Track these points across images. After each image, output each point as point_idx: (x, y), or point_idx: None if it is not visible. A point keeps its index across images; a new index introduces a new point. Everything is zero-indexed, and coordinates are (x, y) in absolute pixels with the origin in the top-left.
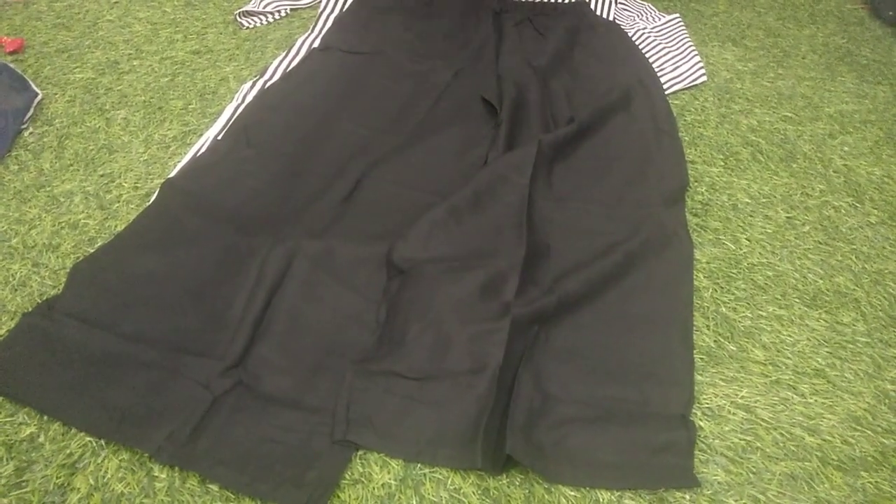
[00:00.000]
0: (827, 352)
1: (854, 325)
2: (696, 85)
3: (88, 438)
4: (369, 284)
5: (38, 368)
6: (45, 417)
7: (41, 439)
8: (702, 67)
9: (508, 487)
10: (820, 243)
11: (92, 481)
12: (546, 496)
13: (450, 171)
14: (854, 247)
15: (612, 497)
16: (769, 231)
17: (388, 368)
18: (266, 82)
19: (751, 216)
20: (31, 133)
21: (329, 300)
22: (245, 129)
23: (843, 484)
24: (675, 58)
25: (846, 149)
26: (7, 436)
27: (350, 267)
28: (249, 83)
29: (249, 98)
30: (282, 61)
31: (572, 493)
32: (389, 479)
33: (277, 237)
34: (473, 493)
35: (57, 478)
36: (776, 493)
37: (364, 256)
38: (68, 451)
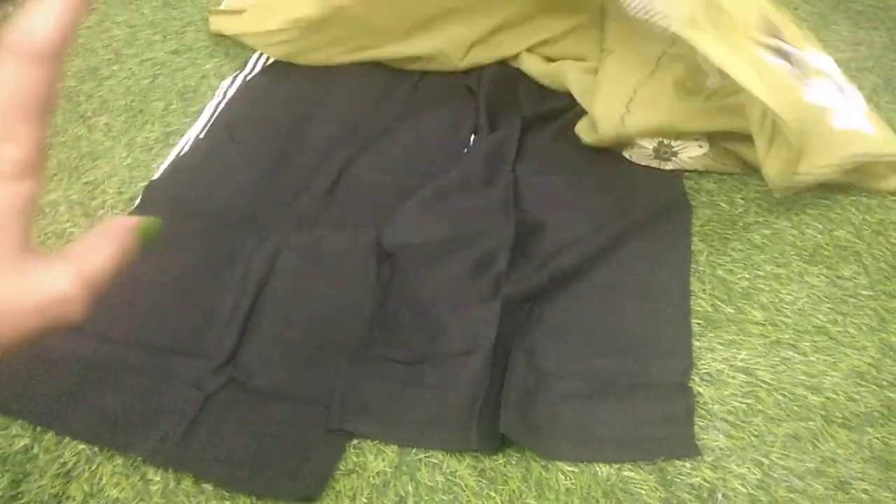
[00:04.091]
0: (828, 308)
1: (855, 279)
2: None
3: (82, 446)
4: (359, 273)
5: (29, 380)
6: (39, 428)
7: (35, 450)
8: None
9: (505, 467)
10: (818, 197)
11: (87, 488)
12: (543, 473)
13: (434, 154)
14: (853, 198)
15: (611, 470)
16: (765, 188)
17: (382, 354)
18: (247, 76)
19: (745, 175)
20: None
21: (319, 291)
22: (227, 125)
23: (848, 441)
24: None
25: None
26: (1, 449)
27: (338, 257)
28: (230, 79)
29: (231, 93)
30: (261, 54)
31: (570, 469)
32: (384, 466)
33: (263, 232)
34: (469, 474)
35: (52, 487)
36: (779, 456)
37: (352, 245)
38: (62, 461)
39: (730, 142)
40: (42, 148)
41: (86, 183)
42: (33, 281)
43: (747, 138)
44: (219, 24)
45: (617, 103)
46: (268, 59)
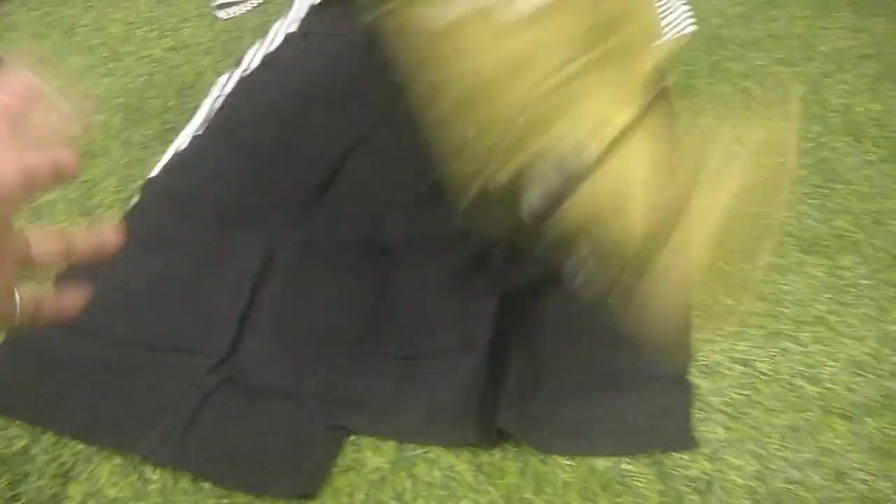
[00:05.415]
0: (827, 298)
1: (855, 269)
2: (684, 35)
3: (80, 446)
4: (355, 270)
5: (28, 381)
6: (38, 429)
7: (34, 451)
8: (690, 16)
9: (502, 461)
10: (817, 187)
11: (85, 488)
12: (541, 467)
13: (430, 149)
14: (853, 187)
15: (609, 463)
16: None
17: (379, 351)
18: (243, 73)
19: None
20: None
21: (316, 288)
22: (224, 122)
23: (846, 432)
24: (661, 7)
25: (843, 86)
26: (0, 449)
27: (334, 254)
28: (226, 75)
29: (228, 90)
30: (258, 50)
31: (567, 463)
32: (382, 462)
33: (259, 230)
34: (467, 469)
35: (50, 488)
36: (777, 447)
37: (348, 241)
38: (61, 461)
39: None
40: None
41: (83, 182)
42: None
43: None
44: None
45: None
46: (264, 54)
